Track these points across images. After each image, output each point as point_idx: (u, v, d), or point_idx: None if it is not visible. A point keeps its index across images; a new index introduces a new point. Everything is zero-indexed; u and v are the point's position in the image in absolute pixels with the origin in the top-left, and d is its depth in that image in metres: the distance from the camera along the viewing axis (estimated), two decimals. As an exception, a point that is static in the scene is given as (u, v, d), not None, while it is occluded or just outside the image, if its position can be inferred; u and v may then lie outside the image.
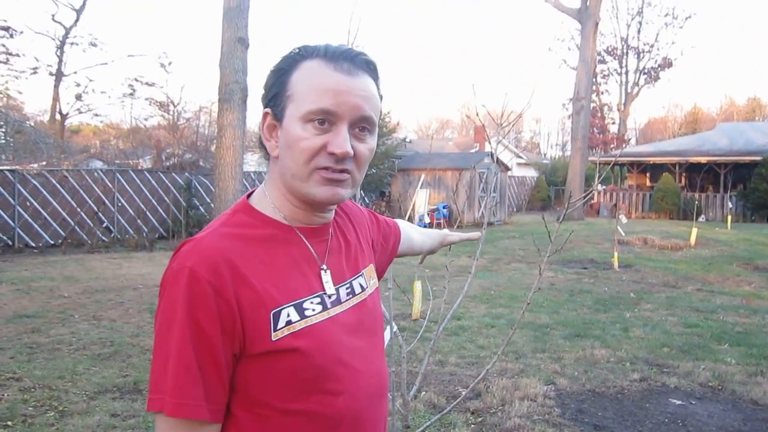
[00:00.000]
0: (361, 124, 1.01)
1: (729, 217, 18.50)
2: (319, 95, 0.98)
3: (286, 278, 1.00)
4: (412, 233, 1.59)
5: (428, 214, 19.28)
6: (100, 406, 4.14)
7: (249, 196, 1.10)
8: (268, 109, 1.04)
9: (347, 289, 1.09)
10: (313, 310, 1.01)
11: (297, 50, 1.03)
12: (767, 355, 5.31)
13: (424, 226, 17.10)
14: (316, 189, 1.01)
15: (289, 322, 0.96)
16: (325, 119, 0.98)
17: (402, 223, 1.55)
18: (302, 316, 0.98)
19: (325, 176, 1.00)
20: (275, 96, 1.02)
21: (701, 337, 5.92)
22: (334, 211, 1.13)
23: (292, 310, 0.98)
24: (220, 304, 0.91)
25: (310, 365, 0.97)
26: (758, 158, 22.40)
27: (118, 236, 14.44)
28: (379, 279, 1.35)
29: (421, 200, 19.40)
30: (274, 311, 0.95)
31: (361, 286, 1.14)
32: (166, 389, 0.90)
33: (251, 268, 0.96)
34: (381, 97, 1.08)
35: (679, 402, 4.30)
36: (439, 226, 18.63)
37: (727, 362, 5.12)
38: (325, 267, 1.07)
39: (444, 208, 19.75)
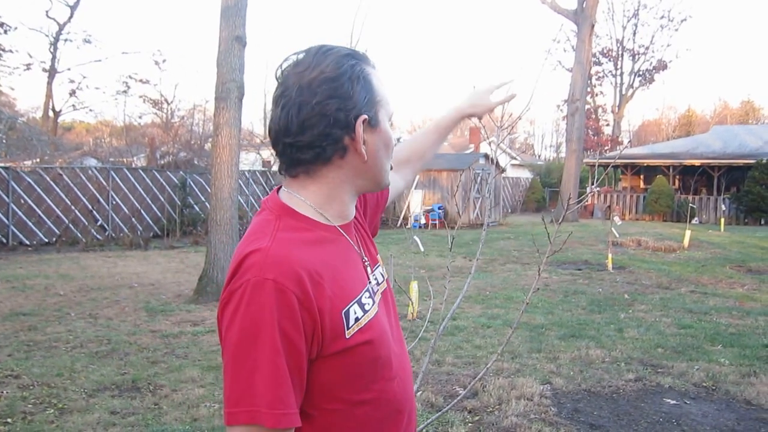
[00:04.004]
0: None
1: (722, 220, 18.63)
2: (390, 97, 1.11)
3: (345, 276, 1.04)
4: (397, 176, 1.53)
5: (423, 215, 19.32)
6: (99, 403, 4.15)
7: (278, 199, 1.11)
8: (365, 116, 1.04)
9: (376, 277, 1.16)
10: (369, 303, 1.06)
11: (350, 56, 1.06)
12: (760, 356, 5.37)
13: (419, 227, 17.02)
14: (389, 176, 1.14)
15: (356, 319, 1.01)
16: None
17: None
18: (364, 311, 1.03)
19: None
20: (369, 102, 1.05)
21: (695, 338, 5.97)
22: None
23: (356, 307, 1.02)
24: (303, 315, 0.93)
25: (376, 356, 1.03)
26: (751, 161, 22.56)
27: (113, 235, 14.40)
28: (372, 236, 1.35)
29: (416, 201, 19.42)
30: (344, 311, 0.99)
31: (382, 275, 1.20)
32: (261, 401, 0.90)
33: (321, 273, 0.98)
34: None
35: (674, 402, 4.34)
36: (434, 227, 18.67)
37: (720, 363, 5.18)
38: (366, 259, 1.14)
39: (439, 209, 19.79)
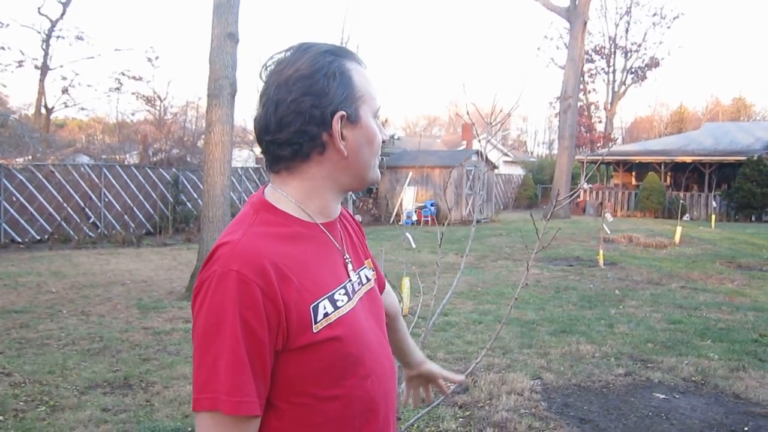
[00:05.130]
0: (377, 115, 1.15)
1: (713, 216, 18.75)
2: (375, 92, 1.11)
3: (317, 272, 1.05)
4: (394, 302, 1.49)
5: (416, 212, 19.35)
6: (91, 400, 4.15)
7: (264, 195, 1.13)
8: (342, 112, 1.05)
9: (359, 276, 1.16)
10: (342, 300, 1.06)
11: (329, 53, 1.07)
12: (749, 351, 5.43)
13: (411, 224, 17.00)
14: (377, 173, 1.15)
15: (326, 314, 1.02)
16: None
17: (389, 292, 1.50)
18: (335, 307, 1.04)
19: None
20: (347, 99, 1.06)
21: (684, 333, 6.02)
22: None
23: (326, 303, 1.03)
24: (266, 305, 0.95)
25: (345, 352, 1.03)
26: (742, 158, 22.69)
27: (105, 232, 14.36)
28: None
29: (409, 198, 19.45)
30: (312, 305, 1.01)
31: (367, 277, 1.20)
32: (221, 389, 0.93)
33: (290, 266, 1.00)
34: None
35: (663, 396, 4.38)
36: (426, 223, 18.70)
37: (709, 357, 5.23)
38: (348, 257, 1.14)
39: (431, 205, 19.83)
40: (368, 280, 1.20)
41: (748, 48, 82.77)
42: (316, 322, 1.00)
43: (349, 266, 1.13)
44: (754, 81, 77.98)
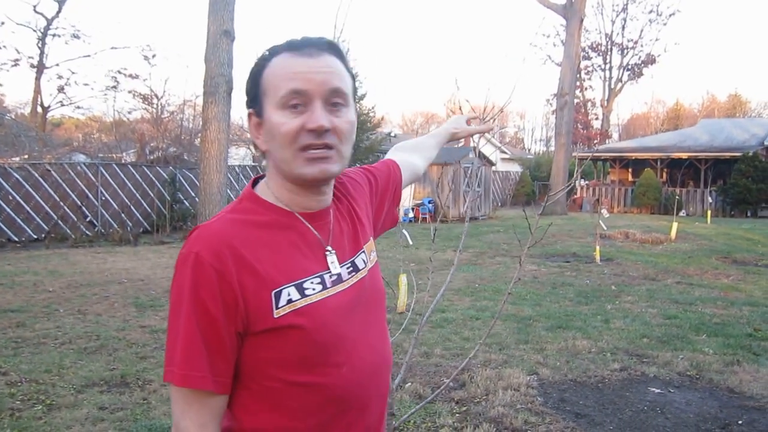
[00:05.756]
0: (334, 99, 1.07)
1: (709, 212, 18.80)
2: (288, 80, 1.06)
3: (287, 260, 1.07)
4: (412, 159, 1.60)
5: (413, 209, 19.36)
6: (88, 399, 4.15)
7: (254, 184, 1.17)
8: (251, 110, 1.12)
9: (349, 267, 1.16)
10: (313, 289, 1.07)
11: (266, 51, 1.12)
12: (743, 345, 5.46)
13: (409, 221, 17.06)
14: (304, 169, 1.07)
15: (290, 301, 1.03)
16: (298, 103, 1.05)
17: (398, 155, 1.59)
18: (303, 295, 1.05)
19: (309, 156, 1.06)
20: (254, 97, 1.11)
21: (680, 328, 6.05)
22: (331, 194, 1.19)
23: (292, 290, 1.05)
24: (222, 286, 1.00)
25: (311, 341, 1.04)
26: (738, 154, 22.77)
27: (102, 231, 14.34)
28: (391, 226, 1.48)
29: (406, 195, 19.47)
30: (274, 291, 1.03)
31: (363, 261, 1.20)
32: (175, 362, 1.00)
33: (254, 252, 1.04)
34: (353, 77, 1.16)
35: (658, 390, 4.41)
36: (424, 221, 18.72)
37: (704, 352, 5.25)
38: (330, 248, 1.13)
39: (429, 202, 19.84)
40: (364, 264, 1.20)
41: (743, 45, 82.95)
42: (277, 308, 1.03)
43: (332, 258, 1.13)
44: (750, 78, 78.24)
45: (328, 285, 1.10)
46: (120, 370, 4.74)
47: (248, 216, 1.09)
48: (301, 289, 1.05)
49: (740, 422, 3.85)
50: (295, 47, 1.08)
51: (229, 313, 1.00)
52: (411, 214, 19.11)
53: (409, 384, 4.41)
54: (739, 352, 5.25)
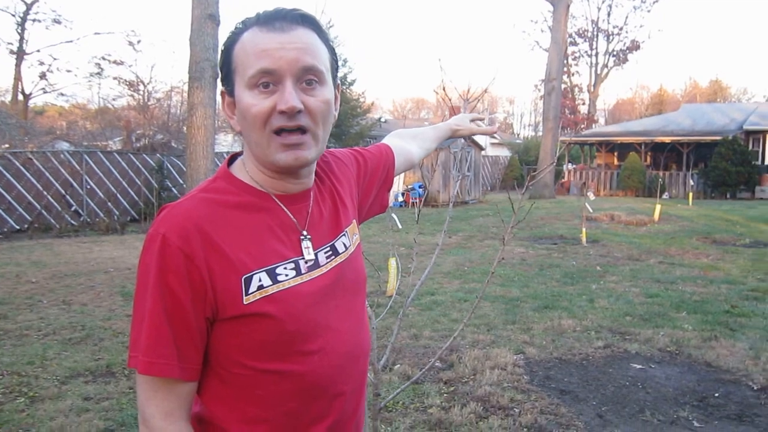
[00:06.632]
0: (307, 77, 1.01)
1: (690, 194, 19.06)
2: (257, 58, 0.99)
3: (259, 244, 1.02)
4: (408, 146, 1.55)
5: (403, 194, 19.43)
6: (72, 390, 4.08)
7: (230, 163, 1.12)
8: (222, 88, 1.07)
9: (328, 251, 1.11)
10: (286, 275, 1.02)
11: (238, 25, 1.05)
12: (721, 321, 5.61)
13: (400, 206, 17.10)
14: (278, 155, 1.02)
15: (261, 287, 0.99)
16: (268, 81, 0.99)
17: (394, 140, 1.54)
18: (274, 281, 1.01)
19: (283, 142, 1.01)
20: (226, 74, 1.05)
21: (661, 306, 6.20)
22: (311, 177, 1.13)
23: (264, 276, 1.00)
24: (190, 270, 0.96)
25: (282, 328, 1.00)
26: (718, 138, 23.11)
27: (88, 220, 14.18)
28: (380, 212, 1.44)
29: (397, 180, 19.48)
30: (245, 276, 0.99)
31: (344, 245, 1.16)
32: (140, 348, 0.96)
33: (224, 235, 0.99)
34: (332, 51, 1.08)
35: (640, 366, 4.54)
36: (414, 205, 18.80)
37: (684, 329, 5.40)
38: (305, 233, 1.08)
39: (420, 187, 19.91)
40: (345, 248, 1.15)
41: (724, 32, 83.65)
42: (247, 294, 0.98)
43: (306, 243, 1.08)
44: (730, 64, 79.01)
45: (303, 271, 1.05)
46: (106, 360, 4.66)
47: (221, 196, 1.04)
48: (273, 275, 1.01)
49: (716, 395, 3.99)
50: (265, 21, 1.01)
51: (196, 298, 0.96)
52: (401, 199, 19.19)
53: (399, 366, 4.50)
54: (716, 328, 5.40)
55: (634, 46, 40.37)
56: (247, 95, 1.00)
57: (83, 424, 3.56)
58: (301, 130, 1.01)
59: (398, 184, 19.42)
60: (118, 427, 3.55)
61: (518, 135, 53.64)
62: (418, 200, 19.09)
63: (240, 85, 1.02)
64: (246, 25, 1.03)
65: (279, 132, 1.00)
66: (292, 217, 1.07)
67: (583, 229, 10.82)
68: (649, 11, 48.04)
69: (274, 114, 0.99)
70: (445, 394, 4.01)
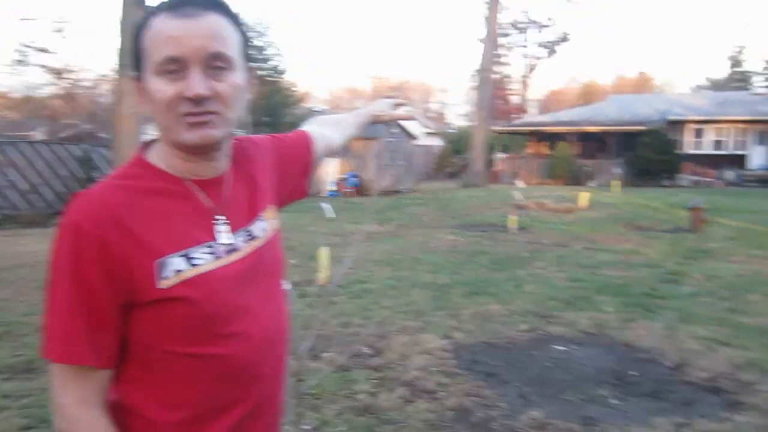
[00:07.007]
0: (215, 63, 1.01)
1: (616, 182, 19.88)
2: (163, 45, 1.00)
3: (175, 229, 1.03)
4: (329, 133, 1.55)
5: (337, 183, 19.40)
6: (-11, 389, 3.88)
7: (144, 149, 1.12)
8: (133, 74, 1.07)
9: (245, 235, 1.12)
10: (203, 259, 1.03)
11: (147, 10, 1.06)
12: (640, 303, 5.89)
13: (334, 196, 17.08)
14: (185, 135, 1.02)
15: (178, 271, 1.00)
16: (175, 68, 1.00)
17: (314, 127, 1.54)
18: (191, 265, 1.02)
19: (189, 121, 1.01)
20: (136, 60, 1.05)
21: (585, 290, 6.45)
22: (225, 160, 1.13)
23: (179, 260, 1.01)
24: (105, 257, 0.96)
25: (201, 312, 1.01)
26: (643, 128, 24.24)
27: (9, 213, 13.55)
28: (300, 198, 1.44)
29: (330, 169, 19.43)
30: (160, 261, 0.99)
31: (262, 229, 1.16)
32: (55, 337, 0.97)
33: (137, 220, 1.00)
34: (244, 35, 1.09)
35: (562, 348, 4.71)
36: (348, 194, 18.81)
37: (605, 311, 5.63)
38: (218, 217, 1.09)
39: (354, 177, 19.92)
40: (263, 233, 1.15)
41: (650, 27, 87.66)
42: (162, 278, 0.99)
43: (221, 227, 1.09)
44: (656, 57, 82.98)
45: (221, 254, 1.06)
46: (27, 356, 4.47)
47: (135, 182, 1.04)
48: (188, 259, 1.02)
49: (634, 373, 4.18)
50: (174, 6, 1.01)
51: (111, 285, 0.97)
52: (335, 188, 19.15)
53: (327, 354, 4.51)
54: (636, 310, 5.66)
55: (564, 38, 41.63)
56: (155, 81, 1.01)
57: (1, 422, 3.42)
58: (208, 113, 1.02)
59: (332, 174, 19.35)
60: (39, 423, 3.42)
61: (452, 125, 54.39)
62: (354, 190, 19.12)
63: (148, 72, 1.02)
64: (155, 10, 1.03)
65: (185, 115, 1.01)
66: (207, 201, 1.08)
67: (513, 217, 11.11)
68: (577, 3, 49.60)
69: (180, 100, 1.00)
70: (373, 380, 4.03)
